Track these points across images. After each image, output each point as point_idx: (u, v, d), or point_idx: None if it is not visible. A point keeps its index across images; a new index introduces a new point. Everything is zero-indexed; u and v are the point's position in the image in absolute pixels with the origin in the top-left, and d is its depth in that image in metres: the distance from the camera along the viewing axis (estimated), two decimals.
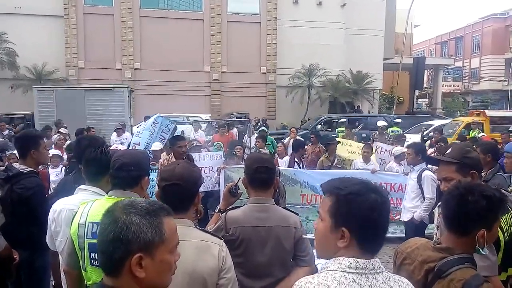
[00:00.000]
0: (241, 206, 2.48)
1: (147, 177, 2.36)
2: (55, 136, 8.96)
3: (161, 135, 8.46)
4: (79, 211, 2.25)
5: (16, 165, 3.29)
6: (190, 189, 2.01)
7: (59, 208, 2.56)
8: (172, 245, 1.28)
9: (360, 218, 1.33)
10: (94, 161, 2.59)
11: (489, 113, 16.20)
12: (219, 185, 7.19)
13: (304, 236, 2.41)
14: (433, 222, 5.52)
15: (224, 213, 2.45)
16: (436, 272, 1.69)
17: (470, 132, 13.02)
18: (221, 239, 2.01)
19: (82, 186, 2.62)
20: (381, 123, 11.16)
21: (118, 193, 2.25)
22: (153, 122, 8.44)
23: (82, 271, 2.19)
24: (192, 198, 2.02)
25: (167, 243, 1.25)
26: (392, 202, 6.96)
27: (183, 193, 1.96)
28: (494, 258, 2.05)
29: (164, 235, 1.24)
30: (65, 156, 7.64)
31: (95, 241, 2.10)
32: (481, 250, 1.73)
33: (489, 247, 1.91)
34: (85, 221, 2.18)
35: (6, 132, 10.59)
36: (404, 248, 1.91)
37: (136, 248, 1.19)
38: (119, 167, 2.29)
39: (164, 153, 7.28)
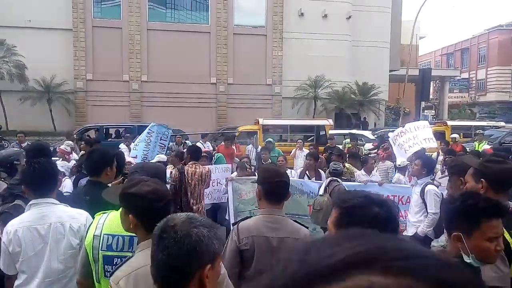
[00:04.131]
0: (252, 217, 2.50)
1: None
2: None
3: (160, 143, 8.10)
4: (94, 222, 2.25)
5: None
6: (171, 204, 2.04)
7: (15, 228, 2.46)
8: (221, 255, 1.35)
9: None
10: (48, 175, 2.59)
11: (262, 121, 16.19)
12: (226, 197, 7.16)
13: None
14: (438, 237, 5.47)
15: (236, 224, 2.47)
16: None
17: (478, 144, 12.91)
18: None
19: (34, 201, 2.54)
20: (392, 134, 11.05)
21: None
22: (148, 132, 8.08)
23: (95, 282, 2.20)
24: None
25: (220, 254, 1.33)
26: (400, 215, 6.91)
27: (170, 209, 1.94)
28: (506, 270, 2.07)
29: (221, 246, 1.31)
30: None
31: (109, 253, 2.13)
32: (464, 256, 1.79)
33: (501, 259, 1.96)
34: (100, 233, 2.18)
35: (25, 144, 10.67)
36: None
37: (207, 259, 1.23)
38: None
39: (171, 166, 7.20)
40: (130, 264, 1.78)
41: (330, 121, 16.77)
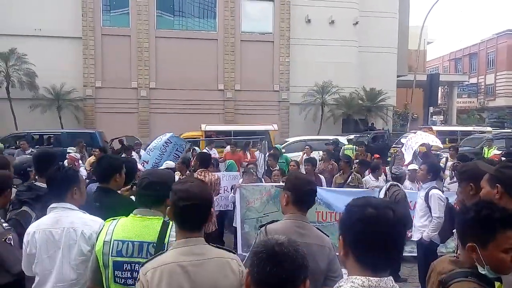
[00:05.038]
0: (279, 220, 2.54)
1: None
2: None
3: (175, 153, 8.37)
4: (104, 228, 2.28)
5: (37, 183, 3.40)
6: (207, 208, 2.05)
7: (33, 230, 2.56)
8: None
9: (351, 228, 1.40)
10: (55, 180, 2.70)
11: (204, 127, 16.45)
12: (233, 205, 7.17)
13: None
14: (444, 242, 5.47)
15: (264, 227, 2.50)
16: (442, 283, 1.80)
17: (487, 150, 12.80)
18: (234, 253, 2.06)
19: (53, 205, 2.64)
20: (404, 140, 11.04)
21: (143, 211, 2.31)
22: (166, 142, 8.33)
23: None
24: (207, 217, 2.05)
25: None
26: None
27: (201, 213, 1.98)
28: None
29: None
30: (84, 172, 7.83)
31: (119, 259, 2.17)
32: (479, 267, 1.75)
33: None
34: (110, 239, 2.21)
35: (28, 151, 10.79)
36: (435, 261, 2.03)
37: (307, 275, 1.37)
38: (147, 186, 2.36)
39: (178, 172, 7.25)
40: (160, 258, 1.90)
41: (275, 126, 16.45)
